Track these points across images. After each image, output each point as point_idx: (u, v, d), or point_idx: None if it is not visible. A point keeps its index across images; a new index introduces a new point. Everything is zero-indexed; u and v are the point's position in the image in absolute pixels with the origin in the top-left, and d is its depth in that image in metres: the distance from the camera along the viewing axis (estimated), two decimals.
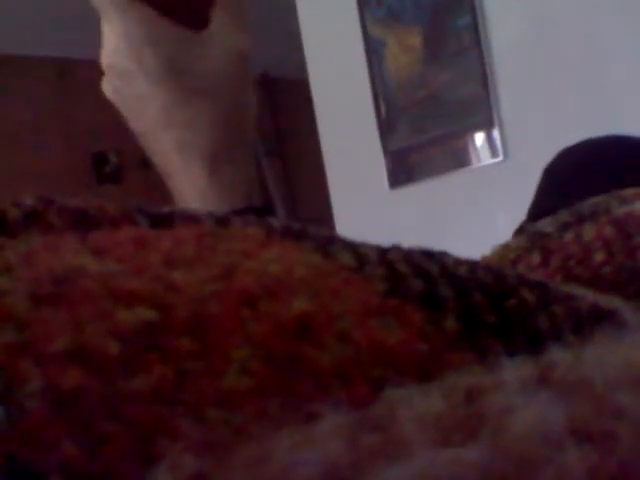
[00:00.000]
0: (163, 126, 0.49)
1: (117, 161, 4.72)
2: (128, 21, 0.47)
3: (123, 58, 0.48)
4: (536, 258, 0.42)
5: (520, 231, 0.59)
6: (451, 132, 2.43)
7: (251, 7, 0.51)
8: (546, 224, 0.45)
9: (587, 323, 0.22)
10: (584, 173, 0.79)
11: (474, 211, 2.41)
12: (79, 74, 4.48)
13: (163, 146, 0.50)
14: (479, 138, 2.39)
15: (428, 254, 0.23)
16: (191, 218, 0.24)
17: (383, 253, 0.22)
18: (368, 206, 2.68)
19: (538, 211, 0.79)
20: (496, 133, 2.33)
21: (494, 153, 2.35)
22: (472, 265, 0.23)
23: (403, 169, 2.58)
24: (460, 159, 2.44)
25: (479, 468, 0.12)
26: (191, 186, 0.50)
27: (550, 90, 2.19)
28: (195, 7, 0.50)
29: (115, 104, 0.50)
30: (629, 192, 0.47)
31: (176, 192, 0.51)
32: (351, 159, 2.72)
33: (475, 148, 2.41)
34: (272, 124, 5.16)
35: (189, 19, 0.49)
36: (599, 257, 0.39)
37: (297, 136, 5.06)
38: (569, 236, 0.42)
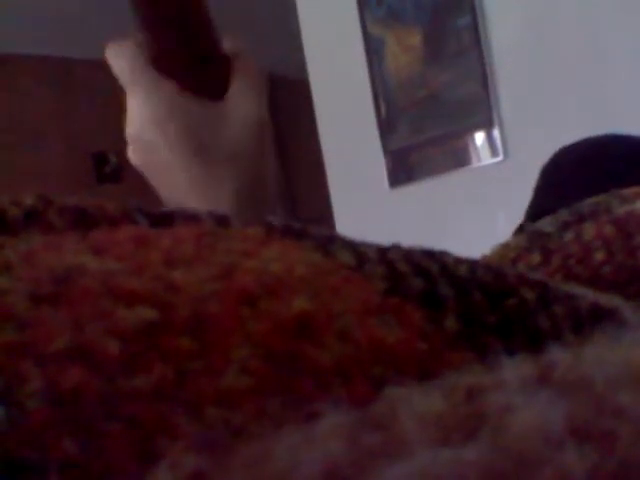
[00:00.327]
0: (190, 192, 0.51)
1: (117, 161, 4.72)
2: (152, 96, 0.50)
3: (148, 131, 0.50)
4: (536, 257, 0.42)
5: (520, 231, 0.59)
6: (451, 132, 2.43)
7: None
8: (546, 223, 0.45)
9: (587, 322, 0.22)
10: (582, 172, 0.79)
11: (474, 211, 2.41)
12: (79, 74, 4.48)
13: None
14: (479, 138, 2.39)
15: (428, 253, 0.23)
16: (191, 218, 0.24)
17: (383, 252, 0.22)
18: (368, 206, 2.68)
19: (536, 211, 0.79)
20: (496, 133, 2.33)
21: (494, 153, 2.35)
22: (472, 264, 0.23)
23: (403, 169, 2.58)
24: (460, 159, 2.44)
25: (479, 467, 0.12)
26: None
27: (550, 90, 2.19)
28: (215, 78, 0.52)
29: (142, 172, 0.53)
30: (630, 191, 0.47)
31: None
32: (351, 159, 2.72)
33: (475, 148, 2.41)
34: (272, 124, 5.16)
35: (209, 89, 0.51)
36: (599, 256, 0.39)
37: (297, 136, 5.06)
38: (569, 235, 0.42)
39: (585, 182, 0.70)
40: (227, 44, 0.53)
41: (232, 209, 0.51)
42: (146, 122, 0.50)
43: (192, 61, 0.51)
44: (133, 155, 0.53)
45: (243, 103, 0.52)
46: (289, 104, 5.03)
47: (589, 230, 0.41)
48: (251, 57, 0.54)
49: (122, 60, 0.50)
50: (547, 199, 0.80)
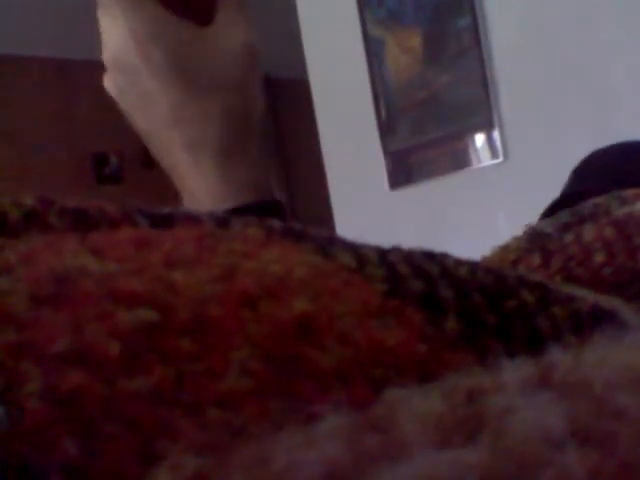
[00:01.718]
0: (171, 124, 0.48)
1: (117, 162, 4.72)
2: (134, 17, 0.46)
3: (129, 55, 0.47)
4: (536, 259, 0.42)
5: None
6: (451, 133, 2.43)
7: (251, 7, 0.51)
8: (546, 225, 0.45)
9: (587, 324, 0.22)
10: (612, 175, 0.78)
11: (474, 212, 2.41)
12: (79, 74, 4.48)
13: (171, 144, 0.49)
14: (479, 139, 2.39)
15: (428, 255, 0.23)
16: (191, 219, 0.24)
17: (383, 254, 0.22)
18: (368, 207, 2.68)
19: (559, 207, 0.79)
20: (496, 134, 2.33)
21: (494, 154, 2.35)
22: (472, 266, 0.23)
23: (403, 170, 2.58)
24: (460, 160, 2.44)
25: (479, 469, 0.12)
26: (201, 183, 0.49)
27: (550, 91, 2.19)
28: (200, 2, 0.49)
29: (118, 102, 0.49)
30: (629, 193, 0.47)
31: (185, 191, 0.50)
32: (351, 160, 2.72)
33: (475, 149, 2.41)
34: (272, 124, 5.16)
35: (195, 14, 0.48)
36: (599, 258, 0.39)
37: (297, 136, 5.06)
38: (569, 237, 0.42)
39: (616, 186, 0.69)
40: None
41: (215, 141, 0.49)
42: (125, 44, 0.46)
43: None
44: (109, 83, 0.49)
45: (231, 30, 0.49)
46: (289, 105, 5.03)
47: (589, 232, 0.41)
48: None
49: None
50: (573, 190, 0.79)
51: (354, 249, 0.22)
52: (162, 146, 0.50)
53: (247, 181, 0.50)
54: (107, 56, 0.48)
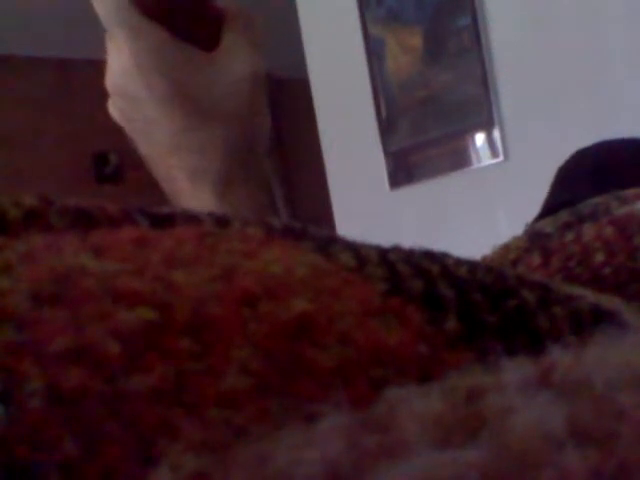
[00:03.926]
0: (173, 151, 0.47)
1: (117, 161, 4.72)
2: (138, 43, 0.45)
3: (132, 82, 0.46)
4: (536, 258, 0.42)
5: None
6: (451, 132, 2.43)
7: (251, 10, 0.50)
8: (546, 224, 0.45)
9: (587, 324, 0.22)
10: (597, 174, 0.78)
11: (474, 211, 2.41)
12: (79, 74, 4.48)
13: (172, 171, 0.48)
14: (479, 138, 2.39)
15: (428, 254, 0.23)
16: (191, 218, 0.24)
17: (383, 253, 0.22)
18: (368, 206, 2.68)
19: (549, 212, 0.79)
20: (496, 133, 2.33)
21: (494, 153, 2.35)
22: (472, 265, 0.23)
23: (403, 169, 2.58)
24: (460, 159, 2.44)
25: (479, 469, 0.12)
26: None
27: (550, 90, 2.19)
28: (206, 26, 0.48)
29: (122, 126, 0.49)
30: (629, 192, 0.47)
31: None
32: (351, 159, 2.72)
33: (475, 148, 2.41)
34: (272, 124, 5.16)
35: (200, 38, 0.47)
36: (599, 258, 0.39)
37: (297, 136, 5.06)
38: (569, 236, 0.42)
39: (600, 185, 0.69)
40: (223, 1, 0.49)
41: (216, 170, 0.48)
42: (129, 71, 0.46)
43: (182, 5, 0.47)
44: (113, 108, 0.49)
45: (237, 56, 0.48)
46: (289, 104, 5.03)
47: (589, 231, 0.41)
48: (249, 11, 0.50)
49: None
50: (561, 199, 0.79)
51: (354, 248, 0.22)
52: (164, 172, 0.49)
53: (249, 209, 0.49)
54: (110, 82, 0.48)
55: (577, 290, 0.26)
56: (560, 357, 0.16)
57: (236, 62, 0.48)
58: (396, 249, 0.23)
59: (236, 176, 0.49)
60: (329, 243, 0.23)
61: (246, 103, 0.49)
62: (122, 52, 0.46)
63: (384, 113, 2.60)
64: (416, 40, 2.50)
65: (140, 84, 0.46)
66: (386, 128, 2.60)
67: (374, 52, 2.61)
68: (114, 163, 4.74)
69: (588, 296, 0.24)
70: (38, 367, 0.14)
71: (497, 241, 0.48)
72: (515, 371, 0.15)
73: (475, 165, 2.41)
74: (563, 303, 0.22)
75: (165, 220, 0.23)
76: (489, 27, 2.34)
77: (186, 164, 0.48)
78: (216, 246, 0.20)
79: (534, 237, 0.44)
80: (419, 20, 2.49)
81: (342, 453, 0.13)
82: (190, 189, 0.48)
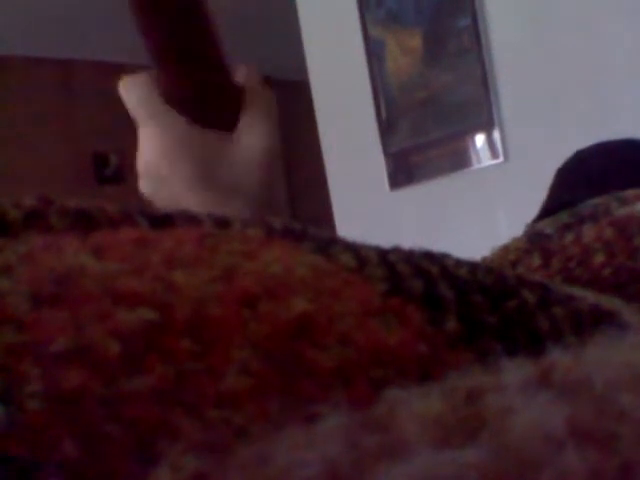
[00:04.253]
0: None
1: (118, 162, 4.72)
2: (163, 130, 0.50)
3: (159, 167, 0.50)
4: (536, 259, 0.42)
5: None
6: (451, 133, 2.43)
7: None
8: (546, 225, 0.45)
9: (587, 324, 0.22)
10: (597, 175, 0.78)
11: (474, 212, 2.41)
12: (80, 74, 4.48)
13: None
14: (479, 139, 2.39)
15: (428, 255, 0.23)
16: (191, 219, 0.24)
17: (383, 254, 0.22)
18: (368, 207, 2.68)
19: (548, 214, 0.79)
20: (496, 134, 2.33)
21: (494, 154, 2.35)
22: (473, 266, 0.23)
23: (403, 170, 2.58)
24: (460, 160, 2.44)
25: (479, 469, 0.12)
26: None
27: (550, 91, 2.19)
28: (227, 108, 0.52)
29: (151, 200, 0.53)
30: (629, 193, 0.47)
31: None
32: (351, 160, 2.72)
33: (475, 149, 2.41)
34: None
35: (221, 122, 0.52)
36: (599, 258, 0.39)
37: (297, 137, 5.06)
38: (569, 237, 0.42)
39: (600, 186, 0.69)
40: (240, 73, 0.54)
41: None
42: (157, 156, 0.51)
43: (204, 94, 0.52)
44: (144, 188, 0.53)
45: (254, 134, 0.52)
46: (289, 105, 5.03)
47: (589, 232, 0.41)
48: (264, 86, 0.54)
49: (134, 93, 0.51)
50: (560, 201, 0.79)
51: (354, 249, 0.22)
52: None
53: None
54: (140, 165, 0.52)
55: (577, 291, 0.26)
56: (560, 357, 0.16)
57: (254, 140, 0.52)
58: (396, 250, 0.23)
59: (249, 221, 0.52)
60: (329, 244, 0.23)
61: (263, 178, 0.52)
62: (150, 138, 0.51)
63: (384, 114, 2.60)
64: (416, 41, 2.50)
65: (167, 168, 0.50)
66: (386, 129, 2.60)
67: (374, 53, 2.61)
68: (114, 164, 4.74)
69: (588, 297, 0.24)
70: (38, 367, 0.14)
71: (497, 242, 0.48)
72: (515, 371, 0.15)
73: (475, 166, 2.41)
74: (563, 304, 0.22)
75: (165, 221, 0.23)
76: (489, 28, 2.34)
77: None
78: (216, 247, 0.20)
79: (534, 238, 0.44)
80: (419, 21, 2.49)
81: (342, 453, 0.13)
82: None
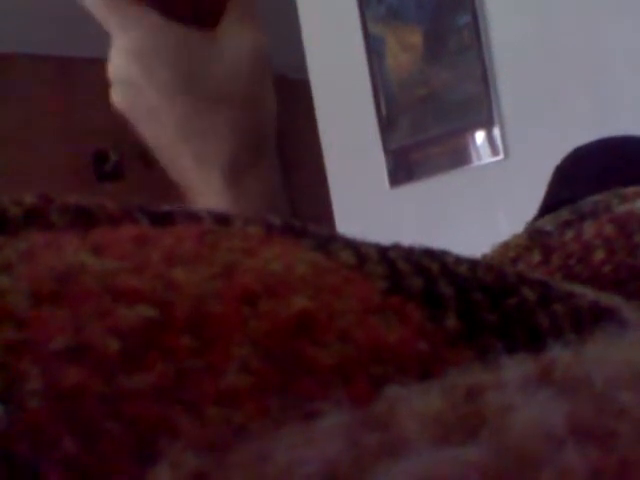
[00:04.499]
0: (179, 139, 0.46)
1: (117, 159, 4.72)
2: (133, 31, 0.44)
3: (130, 72, 0.45)
4: (536, 256, 0.42)
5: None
6: (452, 130, 2.43)
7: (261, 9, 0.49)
8: (546, 222, 0.45)
9: (587, 321, 0.22)
10: (596, 172, 0.78)
11: (475, 210, 2.41)
12: (79, 72, 4.48)
13: (180, 159, 0.47)
14: (479, 136, 2.39)
15: (429, 252, 0.23)
16: (191, 216, 0.24)
17: (384, 251, 0.22)
18: (368, 205, 2.68)
19: (548, 211, 0.79)
20: (497, 131, 2.33)
21: (495, 151, 2.35)
22: (473, 263, 0.23)
23: (403, 168, 2.58)
24: (460, 158, 2.44)
25: (479, 467, 0.12)
26: (212, 199, 0.47)
27: (551, 88, 2.19)
28: (204, 4, 0.46)
29: (126, 116, 0.47)
30: (629, 190, 0.47)
31: (197, 205, 0.48)
32: (351, 158, 2.72)
33: (475, 147, 2.41)
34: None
35: (200, 19, 0.45)
36: (599, 255, 0.39)
37: (297, 136, 5.06)
38: (569, 234, 0.42)
39: (600, 182, 0.69)
40: None
41: (224, 156, 0.46)
42: (127, 58, 0.44)
43: None
44: (116, 98, 0.47)
45: (237, 34, 0.46)
46: (289, 104, 5.02)
47: (589, 229, 0.41)
48: None
49: None
50: (560, 198, 0.79)
51: (354, 246, 0.22)
52: (171, 161, 0.48)
53: (259, 197, 0.48)
54: (111, 71, 0.46)
55: (577, 288, 0.26)
56: (560, 355, 0.16)
57: (237, 41, 0.46)
58: (396, 247, 0.23)
59: (245, 161, 0.47)
60: (329, 241, 0.23)
61: (250, 85, 0.47)
62: (119, 38, 0.45)
63: (384, 111, 2.60)
64: (416, 38, 2.50)
65: (138, 70, 0.44)
66: (386, 126, 2.60)
67: (374, 50, 2.60)
68: (114, 161, 4.74)
69: (588, 294, 0.24)
70: (38, 365, 0.14)
71: (497, 239, 0.48)
72: (515, 369, 0.15)
73: (475, 163, 2.41)
74: (563, 301, 0.22)
75: (165, 218, 0.23)
76: (489, 25, 2.33)
77: (193, 151, 0.46)
78: (216, 244, 0.20)
79: (534, 235, 0.44)
80: (419, 18, 2.49)
81: (342, 451, 0.12)
82: (199, 177, 0.47)
